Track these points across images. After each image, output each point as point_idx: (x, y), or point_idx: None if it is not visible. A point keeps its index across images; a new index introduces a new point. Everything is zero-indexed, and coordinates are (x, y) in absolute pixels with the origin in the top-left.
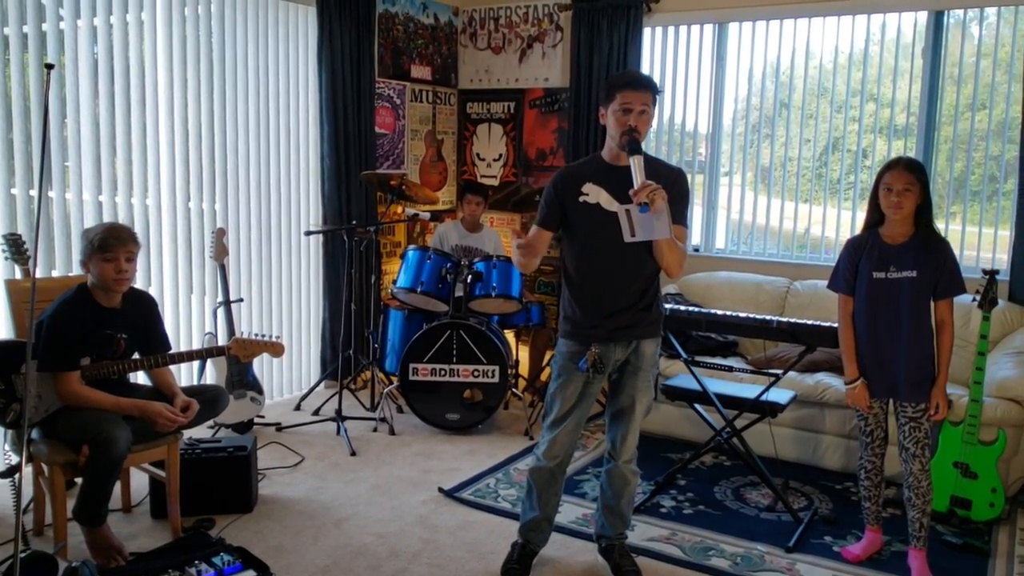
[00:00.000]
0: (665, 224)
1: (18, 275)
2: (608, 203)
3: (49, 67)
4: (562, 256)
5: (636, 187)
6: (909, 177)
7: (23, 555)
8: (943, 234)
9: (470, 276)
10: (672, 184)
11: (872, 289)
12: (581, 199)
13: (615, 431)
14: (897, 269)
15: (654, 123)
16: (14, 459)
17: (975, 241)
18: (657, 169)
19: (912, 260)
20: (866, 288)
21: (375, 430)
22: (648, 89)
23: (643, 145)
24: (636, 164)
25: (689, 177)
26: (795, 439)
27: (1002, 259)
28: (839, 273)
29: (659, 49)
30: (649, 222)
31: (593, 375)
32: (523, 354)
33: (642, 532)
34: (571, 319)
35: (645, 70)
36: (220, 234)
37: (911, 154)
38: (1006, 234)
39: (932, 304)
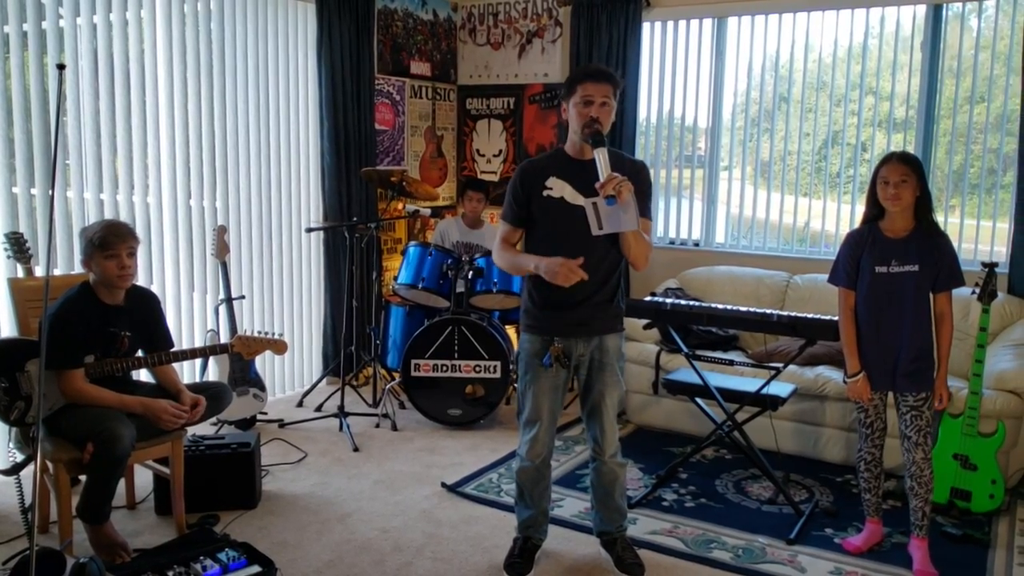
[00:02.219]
0: (632, 216)
1: (20, 274)
2: (572, 197)
3: (61, 67)
4: (525, 249)
5: (602, 179)
6: (904, 169)
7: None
8: (943, 227)
9: (471, 272)
10: (635, 177)
11: (875, 283)
12: (545, 193)
13: (593, 429)
14: (899, 263)
15: (653, 117)
16: (19, 457)
17: (974, 234)
18: (621, 162)
19: (915, 254)
20: (868, 282)
21: (377, 426)
22: (608, 81)
23: (641, 137)
24: (601, 156)
25: (688, 172)
26: (796, 432)
27: (1001, 252)
28: (840, 267)
29: (658, 44)
30: (616, 214)
31: (557, 369)
32: None
33: (644, 525)
34: (531, 312)
35: (644, 65)
36: (221, 232)
37: (910, 147)
38: (1005, 227)
39: (932, 297)
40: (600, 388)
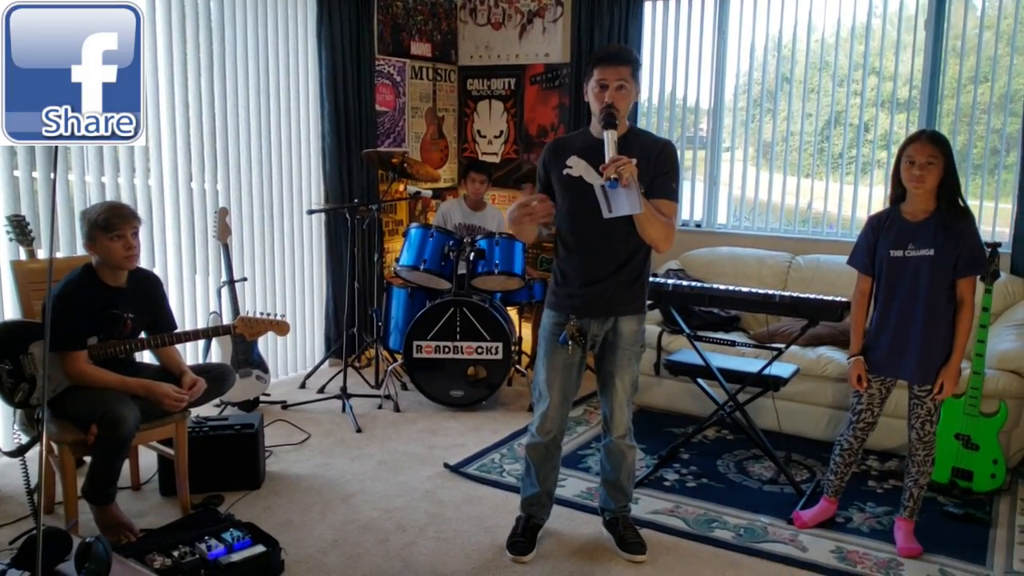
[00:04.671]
0: (636, 198)
1: (23, 256)
2: (589, 176)
3: None
4: (554, 225)
5: (606, 162)
6: (932, 150)
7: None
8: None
9: (473, 253)
10: (657, 157)
11: (891, 268)
12: (565, 171)
13: (604, 407)
14: (915, 247)
15: (655, 98)
16: (23, 438)
17: (977, 214)
18: (643, 142)
19: (931, 238)
20: (885, 267)
21: (380, 407)
22: (624, 63)
23: (643, 118)
24: (609, 139)
25: (690, 153)
26: (797, 412)
27: (1004, 232)
28: (857, 250)
29: (660, 24)
30: (620, 197)
31: (573, 348)
32: (526, 331)
33: (646, 505)
34: (553, 289)
35: (646, 45)
36: (223, 214)
37: (913, 128)
38: (1008, 207)
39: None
40: (610, 369)
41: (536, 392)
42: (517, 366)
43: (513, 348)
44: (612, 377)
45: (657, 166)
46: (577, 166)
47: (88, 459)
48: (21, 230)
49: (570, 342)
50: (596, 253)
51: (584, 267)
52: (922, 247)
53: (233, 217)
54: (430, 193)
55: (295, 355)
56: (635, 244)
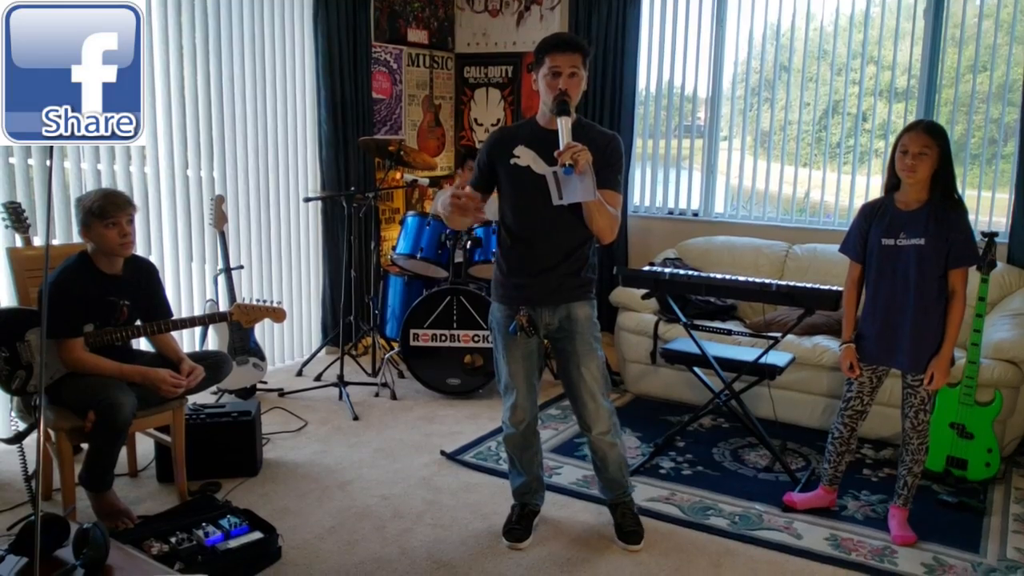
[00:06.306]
0: (589, 186)
1: (19, 243)
2: (538, 166)
3: None
4: (498, 217)
5: (561, 148)
6: (927, 140)
7: (34, 518)
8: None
9: (469, 242)
10: (604, 149)
11: (881, 256)
12: (512, 161)
13: (577, 406)
14: (907, 236)
15: (653, 86)
16: (21, 426)
17: (975, 204)
18: (590, 134)
19: (922, 227)
20: (875, 254)
21: (377, 395)
22: (576, 50)
23: (640, 107)
24: (563, 125)
25: (688, 142)
26: (793, 401)
27: (1001, 222)
28: (849, 238)
29: (658, 11)
30: (574, 184)
31: (523, 338)
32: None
33: (642, 493)
34: (499, 281)
35: (644, 33)
36: (219, 201)
37: (911, 117)
38: (1005, 197)
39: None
40: (576, 361)
41: (502, 385)
42: None
43: None
44: (578, 368)
45: (604, 158)
46: (525, 155)
47: (85, 446)
48: (17, 217)
49: (520, 332)
50: (543, 243)
51: (531, 257)
52: (913, 236)
53: (229, 205)
54: (427, 181)
55: (292, 343)
56: (582, 235)
